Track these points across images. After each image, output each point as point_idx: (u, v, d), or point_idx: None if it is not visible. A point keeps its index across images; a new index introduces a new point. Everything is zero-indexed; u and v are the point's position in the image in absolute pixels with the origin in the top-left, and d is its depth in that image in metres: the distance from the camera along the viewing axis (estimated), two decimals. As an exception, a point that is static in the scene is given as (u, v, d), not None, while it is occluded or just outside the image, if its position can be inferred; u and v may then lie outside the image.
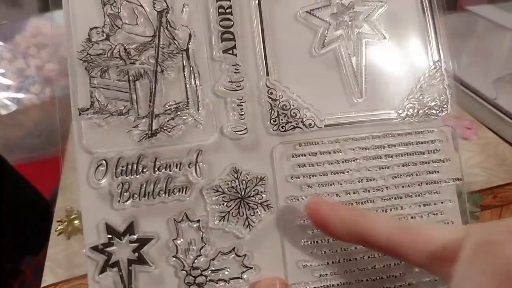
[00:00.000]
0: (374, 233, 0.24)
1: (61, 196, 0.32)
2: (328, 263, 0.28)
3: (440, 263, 0.22)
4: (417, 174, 0.30)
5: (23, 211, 0.57)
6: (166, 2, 0.28)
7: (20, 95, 0.71)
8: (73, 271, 0.34)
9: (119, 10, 0.27)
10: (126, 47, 0.27)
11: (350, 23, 0.31)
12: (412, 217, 0.29)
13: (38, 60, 0.72)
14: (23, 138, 0.71)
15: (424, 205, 0.30)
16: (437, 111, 0.31)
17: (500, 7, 0.67)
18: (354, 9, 0.31)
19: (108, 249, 0.26)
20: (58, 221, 0.40)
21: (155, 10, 0.28)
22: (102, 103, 0.27)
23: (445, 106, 0.31)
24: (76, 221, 0.38)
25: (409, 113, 0.30)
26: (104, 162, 0.27)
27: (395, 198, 0.29)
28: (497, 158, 0.47)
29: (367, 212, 0.26)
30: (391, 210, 0.29)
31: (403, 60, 0.31)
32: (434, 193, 0.30)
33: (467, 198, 0.35)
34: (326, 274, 0.28)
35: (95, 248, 0.26)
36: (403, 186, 0.30)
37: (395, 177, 0.30)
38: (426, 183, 0.30)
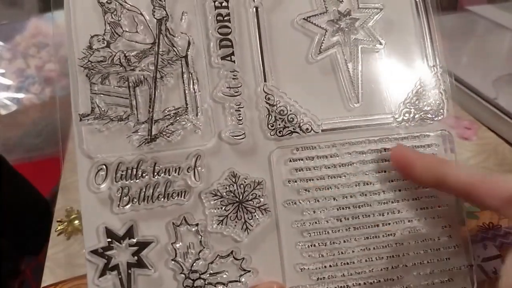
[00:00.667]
0: (453, 178, 0.26)
1: (61, 196, 0.32)
2: (325, 267, 0.29)
3: None
4: (413, 178, 0.30)
5: (22, 211, 0.57)
6: (165, 10, 0.29)
7: (20, 95, 0.71)
8: (73, 271, 0.34)
9: (120, 18, 0.28)
10: (126, 54, 0.28)
11: (346, 29, 0.31)
12: (409, 221, 0.30)
13: (38, 60, 0.72)
14: (22, 138, 0.71)
15: (421, 208, 0.30)
16: (433, 116, 0.31)
17: (500, 7, 0.67)
18: (351, 16, 0.31)
19: (108, 252, 0.26)
20: (58, 221, 0.40)
21: (155, 18, 0.28)
22: (103, 109, 0.27)
23: (441, 110, 0.31)
24: (76, 221, 0.38)
25: (405, 118, 0.31)
26: (104, 167, 0.27)
27: (392, 202, 0.30)
28: (497, 158, 0.47)
29: (447, 160, 0.30)
30: (388, 213, 0.29)
31: (399, 65, 0.31)
32: (431, 197, 0.30)
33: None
34: (324, 278, 0.29)
35: (95, 252, 0.26)
36: (399, 190, 0.30)
37: (392, 181, 0.30)
38: (423, 187, 0.30)
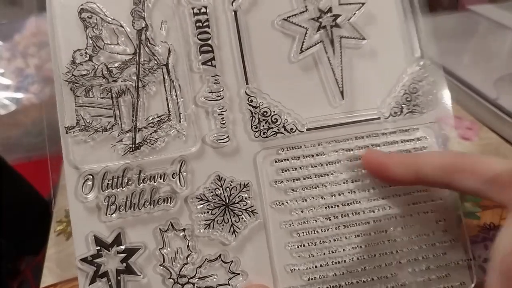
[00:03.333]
0: (429, 166, 0.25)
1: (61, 196, 0.33)
2: (316, 266, 0.28)
3: (499, 189, 0.23)
4: (404, 173, 0.29)
5: (22, 211, 0.58)
6: (145, 20, 0.29)
7: (20, 95, 0.71)
8: (73, 272, 0.34)
9: (101, 32, 0.29)
10: (109, 66, 0.29)
11: (328, 26, 0.31)
12: (401, 217, 0.29)
13: (37, 60, 0.72)
14: (22, 137, 0.71)
15: (413, 203, 0.29)
16: (423, 108, 0.30)
17: (501, 7, 0.66)
18: (332, 13, 0.31)
19: (97, 260, 0.27)
20: (57, 222, 0.40)
21: (135, 29, 0.29)
22: (87, 121, 0.28)
23: (431, 102, 0.30)
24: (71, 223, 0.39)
25: (392, 112, 0.30)
26: (90, 176, 0.28)
27: (383, 198, 0.29)
28: None
29: (419, 152, 0.29)
30: (378, 210, 0.29)
31: (384, 59, 0.31)
32: (423, 191, 0.29)
33: (468, 198, 0.34)
34: (315, 278, 0.28)
35: (84, 260, 0.27)
36: (390, 185, 0.29)
37: (381, 176, 0.29)
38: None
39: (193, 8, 0.30)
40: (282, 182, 0.29)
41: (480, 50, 0.59)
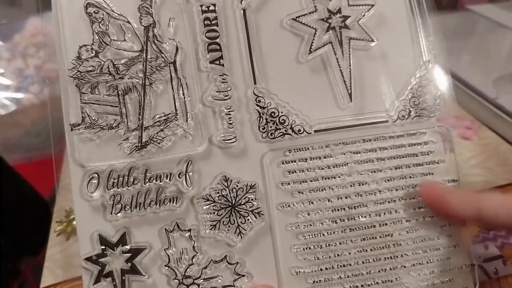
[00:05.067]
0: (493, 208, 0.25)
1: (61, 197, 0.32)
2: (321, 269, 0.28)
3: None
4: (410, 177, 0.30)
5: (22, 212, 0.58)
6: (152, 17, 0.29)
7: (19, 95, 0.70)
8: (73, 272, 0.34)
9: (107, 28, 0.28)
10: (115, 63, 0.28)
11: (337, 27, 0.30)
12: (406, 221, 0.29)
13: (37, 60, 0.72)
14: (22, 138, 0.71)
15: (419, 207, 0.29)
16: (430, 112, 0.30)
17: (501, 7, 0.67)
18: (341, 14, 0.31)
19: (102, 259, 0.27)
20: (57, 222, 0.40)
21: (142, 25, 0.29)
22: (93, 118, 0.28)
23: (438, 106, 0.30)
24: (75, 222, 0.39)
25: (400, 115, 0.30)
26: (96, 175, 0.27)
27: (389, 202, 0.29)
28: (498, 158, 0.46)
29: (480, 192, 0.27)
30: (384, 214, 0.29)
31: (393, 61, 0.31)
32: (429, 195, 0.29)
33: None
34: (320, 281, 0.28)
35: (89, 259, 0.27)
36: (396, 189, 0.29)
37: (388, 180, 0.29)
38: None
39: (201, 6, 0.29)
40: (288, 184, 0.29)
41: (479, 50, 0.59)
